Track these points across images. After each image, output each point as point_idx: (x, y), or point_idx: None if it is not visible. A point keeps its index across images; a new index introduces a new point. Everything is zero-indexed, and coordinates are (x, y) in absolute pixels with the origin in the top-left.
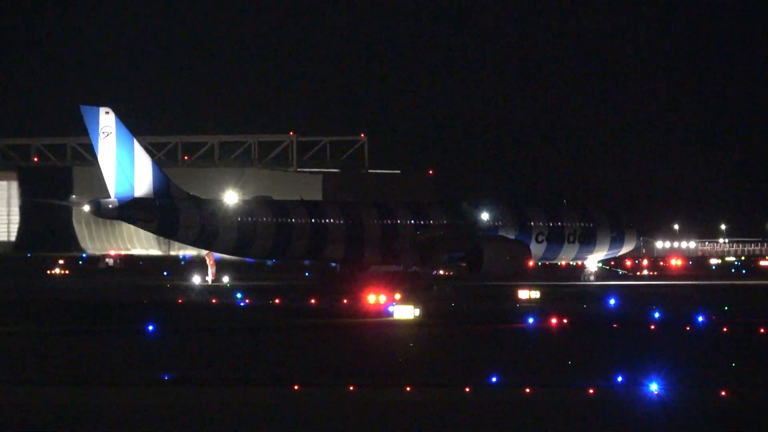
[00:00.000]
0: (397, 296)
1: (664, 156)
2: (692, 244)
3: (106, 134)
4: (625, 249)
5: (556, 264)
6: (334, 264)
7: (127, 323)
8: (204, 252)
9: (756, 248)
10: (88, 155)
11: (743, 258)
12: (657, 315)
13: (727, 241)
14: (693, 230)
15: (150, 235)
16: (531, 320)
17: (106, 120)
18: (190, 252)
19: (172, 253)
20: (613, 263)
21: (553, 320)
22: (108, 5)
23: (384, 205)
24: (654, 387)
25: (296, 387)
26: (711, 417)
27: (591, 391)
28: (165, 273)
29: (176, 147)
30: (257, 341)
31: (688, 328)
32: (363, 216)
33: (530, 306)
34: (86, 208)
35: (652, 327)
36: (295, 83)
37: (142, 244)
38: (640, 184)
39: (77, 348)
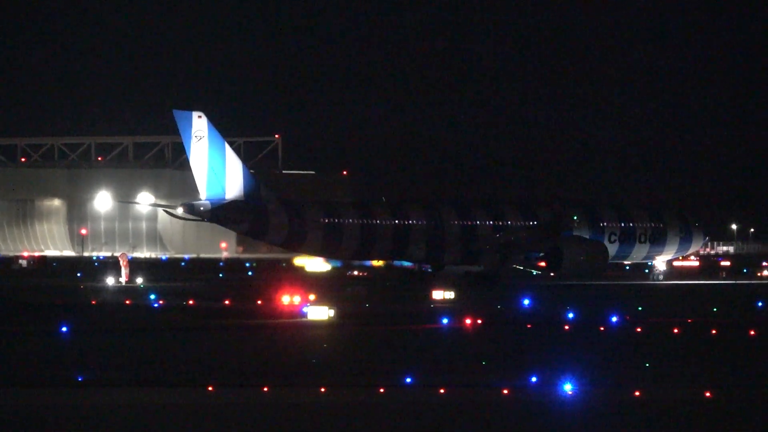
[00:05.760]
0: (312, 297)
1: (590, 153)
2: None
3: (199, 138)
4: (693, 249)
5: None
6: (409, 264)
7: (40, 324)
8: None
9: None
10: (1, 156)
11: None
12: (571, 315)
13: None
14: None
15: (64, 236)
16: (444, 321)
17: (199, 124)
18: (104, 253)
19: (86, 254)
20: None
21: (467, 321)
22: None
23: (463, 205)
24: (568, 387)
25: (210, 388)
26: (624, 417)
27: (505, 391)
28: (78, 274)
29: (90, 148)
30: (170, 342)
31: (602, 329)
32: (443, 216)
33: (443, 307)
34: (179, 210)
35: (566, 327)
36: (208, 84)
37: (55, 245)
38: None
39: None
